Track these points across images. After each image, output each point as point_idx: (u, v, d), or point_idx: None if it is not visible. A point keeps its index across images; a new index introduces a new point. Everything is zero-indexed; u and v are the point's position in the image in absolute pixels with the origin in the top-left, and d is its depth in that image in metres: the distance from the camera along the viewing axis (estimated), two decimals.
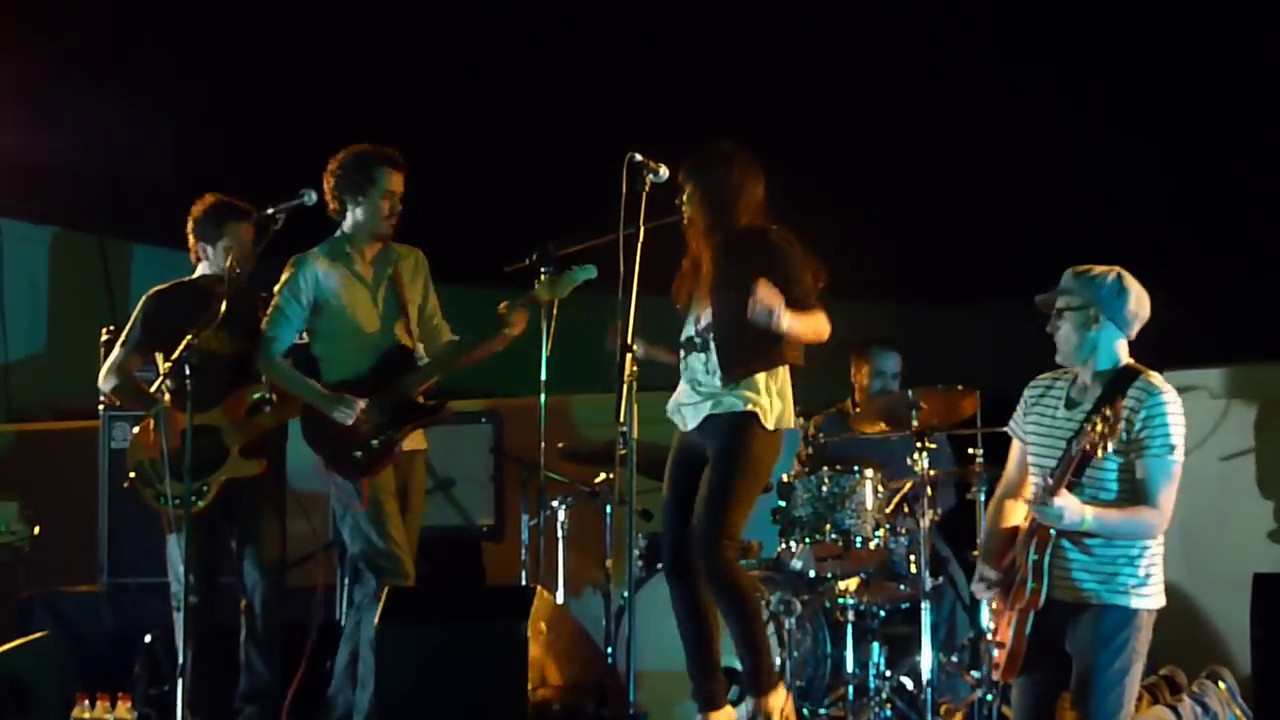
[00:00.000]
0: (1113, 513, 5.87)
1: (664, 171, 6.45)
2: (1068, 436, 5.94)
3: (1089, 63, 9.42)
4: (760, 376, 6.61)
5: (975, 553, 7.69)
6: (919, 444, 7.52)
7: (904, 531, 7.64)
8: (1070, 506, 5.77)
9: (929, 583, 7.46)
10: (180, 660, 6.71)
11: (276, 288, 7.21)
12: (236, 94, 9.85)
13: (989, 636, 6.23)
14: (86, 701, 6.49)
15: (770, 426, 6.63)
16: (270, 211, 7.16)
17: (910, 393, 7.66)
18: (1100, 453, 5.80)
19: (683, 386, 6.77)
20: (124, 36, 9.63)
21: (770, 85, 9.57)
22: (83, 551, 8.45)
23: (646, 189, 6.40)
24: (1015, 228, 9.54)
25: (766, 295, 6.39)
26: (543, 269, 7.24)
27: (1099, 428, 5.76)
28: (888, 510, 7.62)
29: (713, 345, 6.65)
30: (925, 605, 7.40)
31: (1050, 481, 5.83)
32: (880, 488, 7.58)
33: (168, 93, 9.74)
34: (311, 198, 7.05)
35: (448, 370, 7.26)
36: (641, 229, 6.41)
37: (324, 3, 9.85)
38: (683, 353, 6.78)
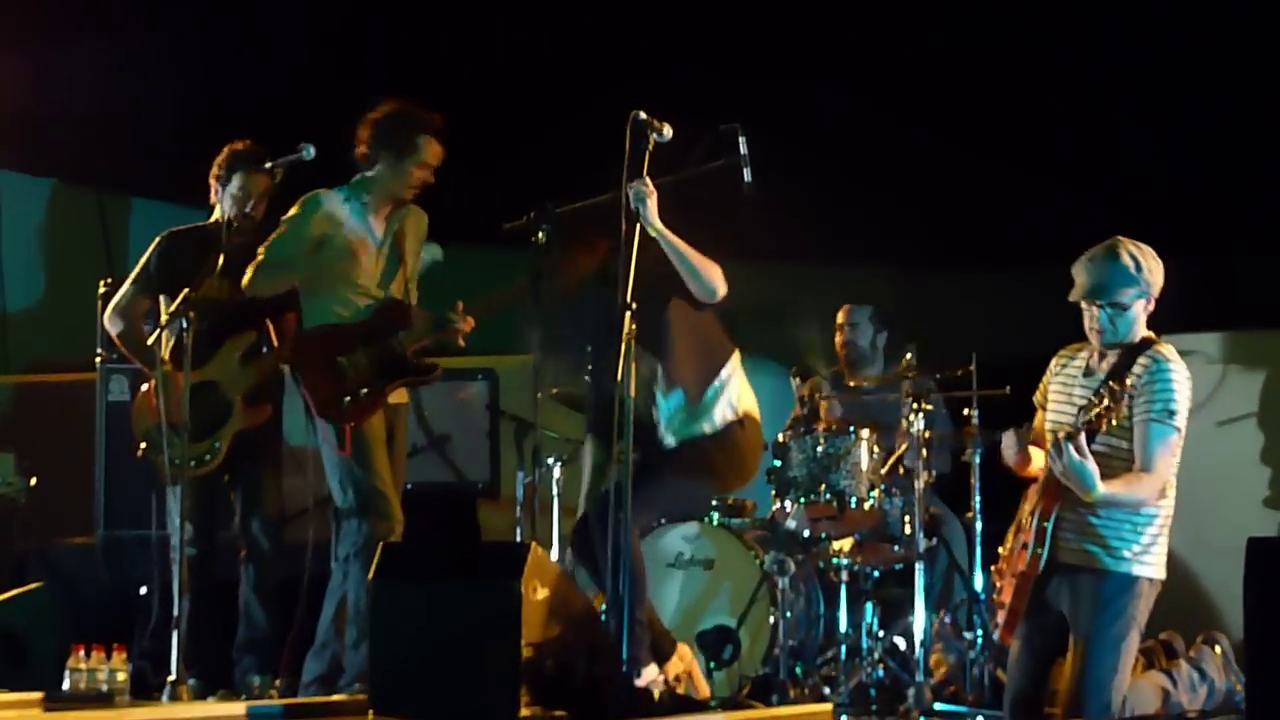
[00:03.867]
0: (1114, 484, 5.91)
1: (668, 130, 6.39)
2: (1081, 405, 5.98)
3: (1085, 27, 9.38)
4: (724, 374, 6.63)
5: (970, 514, 7.73)
6: (914, 405, 7.52)
7: (898, 493, 7.65)
8: (1089, 465, 5.81)
9: (923, 544, 7.47)
10: (176, 613, 6.71)
11: (284, 218, 7.16)
12: (237, 46, 9.81)
13: (995, 597, 6.29)
14: (82, 653, 6.47)
15: (752, 413, 6.65)
16: (269, 166, 7.14)
17: (909, 356, 7.69)
18: (1105, 426, 5.84)
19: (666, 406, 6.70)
20: None
21: (771, 51, 9.54)
22: (79, 504, 8.44)
23: (650, 148, 6.36)
24: (1013, 193, 9.51)
25: (646, 183, 6.32)
26: (541, 228, 7.23)
27: (1105, 402, 5.80)
28: (883, 471, 7.63)
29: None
30: (919, 567, 7.40)
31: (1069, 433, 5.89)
32: (875, 448, 7.59)
33: (168, 44, 9.70)
34: (310, 152, 7.00)
35: (439, 335, 7.21)
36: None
37: None
38: None
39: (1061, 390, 6.22)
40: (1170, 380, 5.98)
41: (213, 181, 7.51)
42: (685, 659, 6.70)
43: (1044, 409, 6.32)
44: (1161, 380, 5.97)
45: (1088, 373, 6.17)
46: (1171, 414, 5.95)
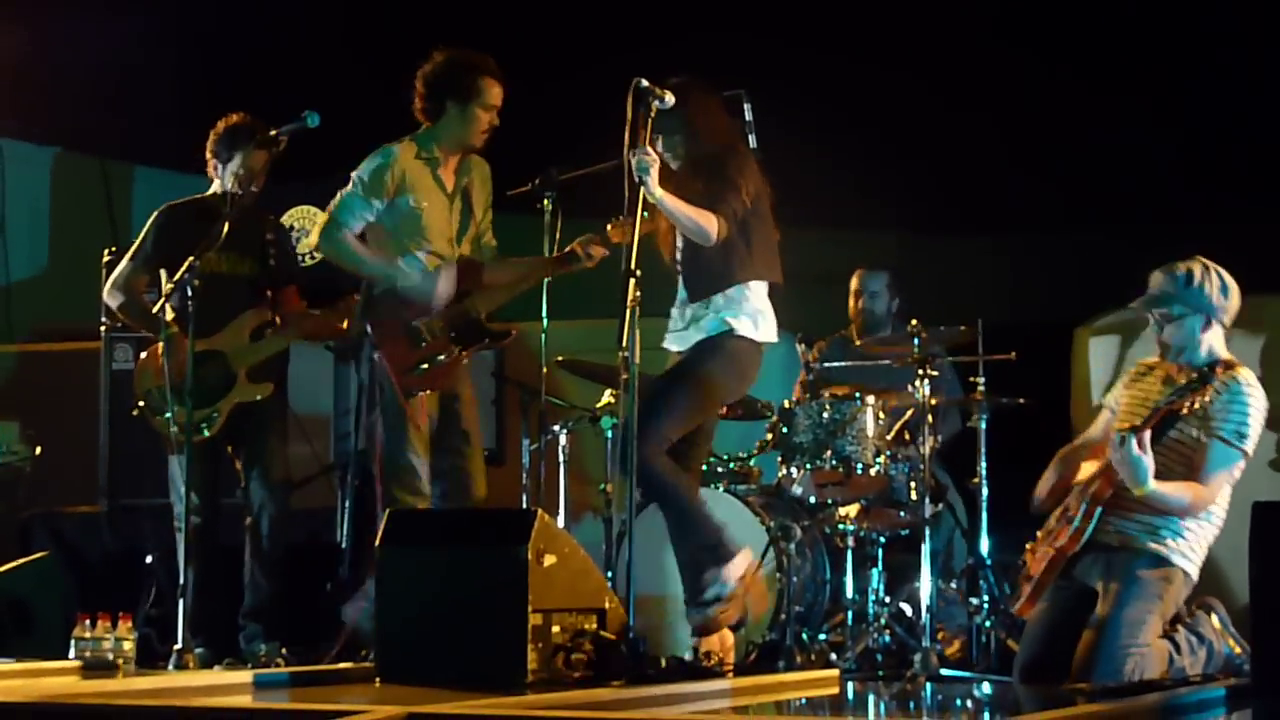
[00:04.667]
0: (1166, 486, 5.99)
1: (669, 98, 6.39)
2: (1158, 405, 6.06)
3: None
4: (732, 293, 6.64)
5: (975, 480, 7.72)
6: (920, 371, 7.51)
7: (904, 458, 7.64)
8: (1146, 460, 5.87)
9: (929, 510, 7.46)
10: (181, 581, 6.72)
11: (354, 173, 7.03)
12: (240, 12, 9.79)
13: (1024, 571, 6.34)
14: (87, 621, 6.49)
15: (749, 336, 6.67)
16: (273, 133, 7.12)
17: (915, 321, 7.68)
18: (1186, 410, 5.90)
19: (674, 312, 6.83)
20: None
21: (779, 14, 9.51)
22: (83, 472, 8.45)
23: (652, 114, 6.35)
24: (1020, 158, 9.50)
25: (649, 153, 6.34)
26: (546, 194, 7.22)
27: (1190, 393, 5.88)
28: (888, 437, 7.63)
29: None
30: (925, 532, 7.40)
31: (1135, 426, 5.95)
32: (881, 414, 7.59)
33: (171, 11, 9.68)
34: (315, 119, 6.96)
35: (516, 293, 7.21)
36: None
37: None
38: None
39: (1137, 395, 6.29)
40: (1246, 403, 6.11)
41: (210, 157, 7.46)
42: (726, 644, 6.68)
43: (1112, 410, 6.38)
44: (1238, 401, 6.10)
45: (1168, 381, 6.23)
46: (1242, 437, 6.09)
